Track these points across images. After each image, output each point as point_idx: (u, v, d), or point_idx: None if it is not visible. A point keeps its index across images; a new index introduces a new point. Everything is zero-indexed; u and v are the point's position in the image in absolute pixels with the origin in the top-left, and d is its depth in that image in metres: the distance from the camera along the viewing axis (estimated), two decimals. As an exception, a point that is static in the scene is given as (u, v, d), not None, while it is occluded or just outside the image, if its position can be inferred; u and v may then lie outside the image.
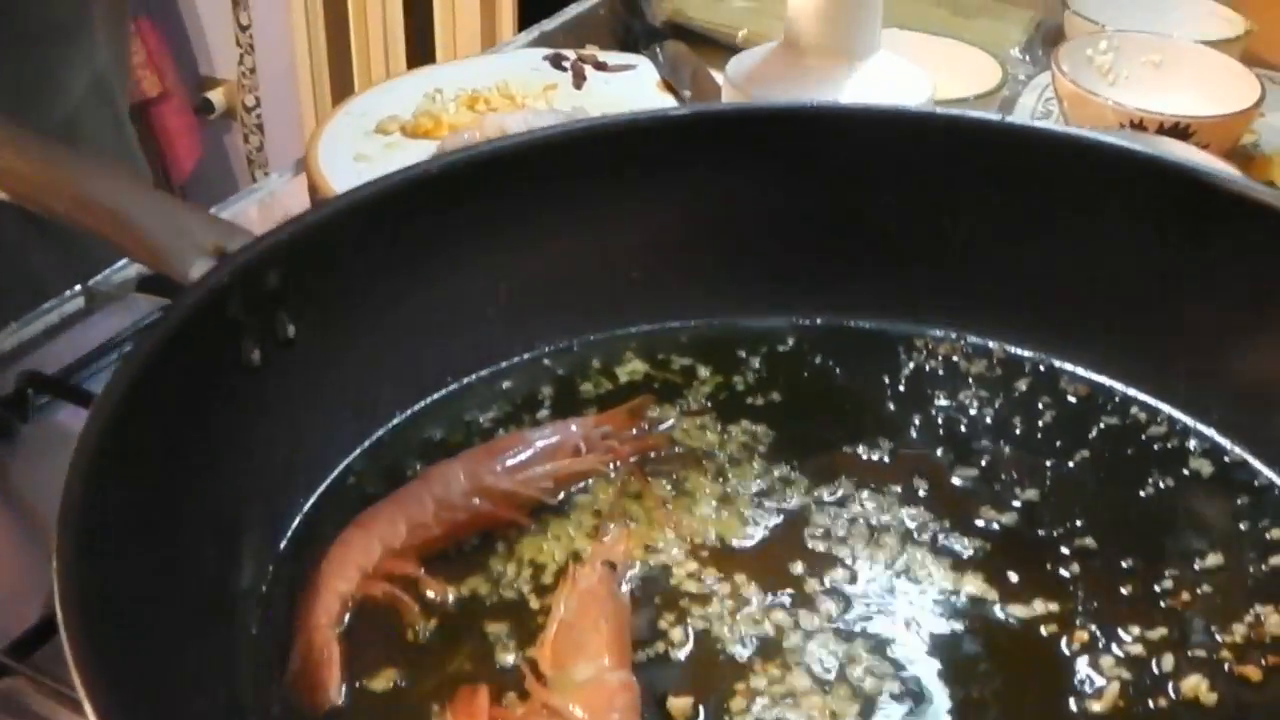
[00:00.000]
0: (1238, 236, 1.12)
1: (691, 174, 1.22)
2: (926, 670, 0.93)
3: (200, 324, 0.98)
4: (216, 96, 3.72)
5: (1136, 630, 0.97)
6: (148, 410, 0.91)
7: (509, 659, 0.94)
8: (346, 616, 0.97)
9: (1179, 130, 1.57)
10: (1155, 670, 0.94)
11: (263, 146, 3.64)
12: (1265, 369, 1.13)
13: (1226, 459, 1.12)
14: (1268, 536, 1.04)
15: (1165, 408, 1.16)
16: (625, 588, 0.98)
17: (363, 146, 1.58)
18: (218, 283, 1.00)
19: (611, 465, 1.09)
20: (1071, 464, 1.11)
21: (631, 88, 1.76)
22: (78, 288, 1.42)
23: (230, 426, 1.01)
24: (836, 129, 1.24)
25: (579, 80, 1.76)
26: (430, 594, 0.99)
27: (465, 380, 1.18)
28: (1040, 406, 1.17)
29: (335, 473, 1.09)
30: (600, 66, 1.80)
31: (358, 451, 1.11)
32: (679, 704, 0.90)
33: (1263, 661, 0.95)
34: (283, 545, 1.03)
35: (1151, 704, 0.92)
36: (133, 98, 2.55)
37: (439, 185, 1.14)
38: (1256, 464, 1.11)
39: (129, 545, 0.86)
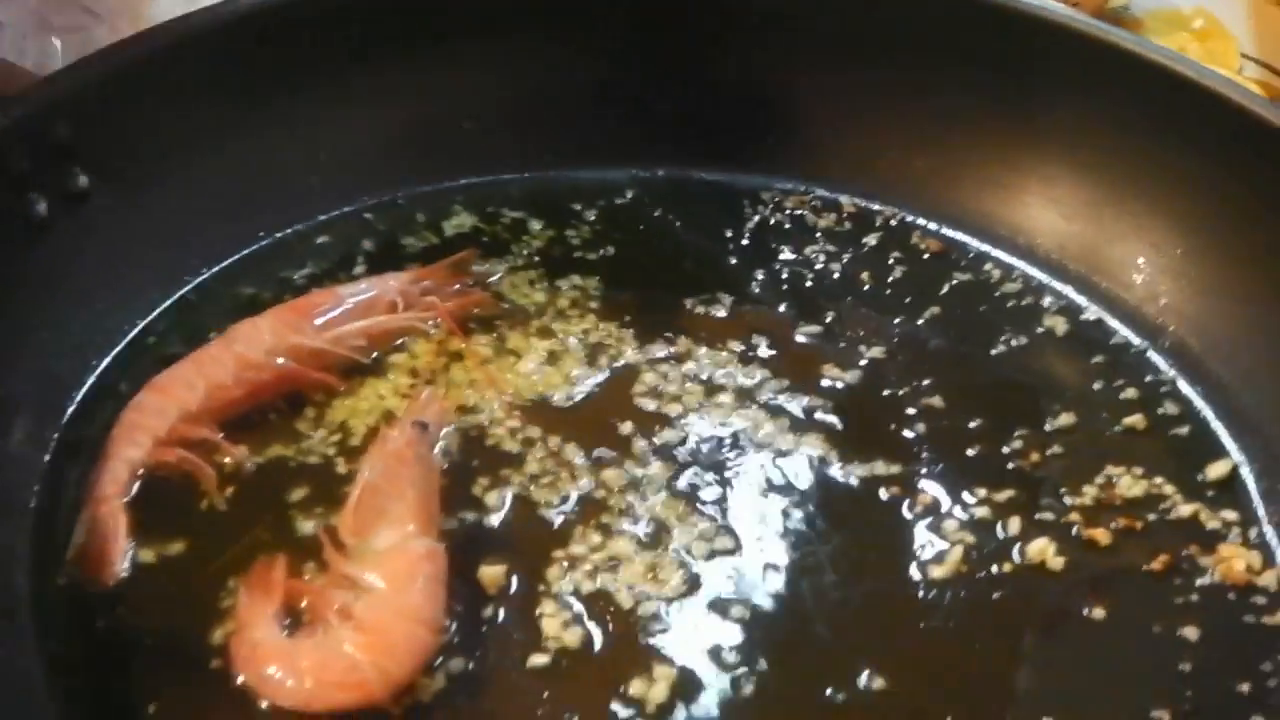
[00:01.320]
0: (1110, 90, 1.07)
1: (526, 18, 1.13)
2: (759, 534, 0.88)
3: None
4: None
5: (982, 492, 0.92)
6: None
7: (310, 527, 0.86)
8: (136, 485, 0.89)
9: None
10: (1000, 534, 0.89)
11: None
12: (1126, 226, 1.07)
13: (1082, 317, 1.07)
14: (1122, 396, 1.00)
15: (1021, 264, 1.11)
16: (438, 450, 0.90)
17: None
18: (-4, 128, 0.92)
19: (431, 322, 1.01)
20: (921, 321, 1.06)
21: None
22: None
23: (12, 284, 0.93)
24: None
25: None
26: (228, 460, 0.91)
27: (279, 235, 1.10)
28: (890, 262, 1.11)
29: (133, 333, 1.01)
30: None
31: (159, 310, 1.03)
32: (491, 572, 0.84)
33: (1112, 525, 0.90)
34: (70, 410, 0.94)
35: (995, 569, 0.87)
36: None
37: (249, 28, 1.06)
38: (1112, 322, 1.06)
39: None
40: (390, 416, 0.94)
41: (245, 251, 1.08)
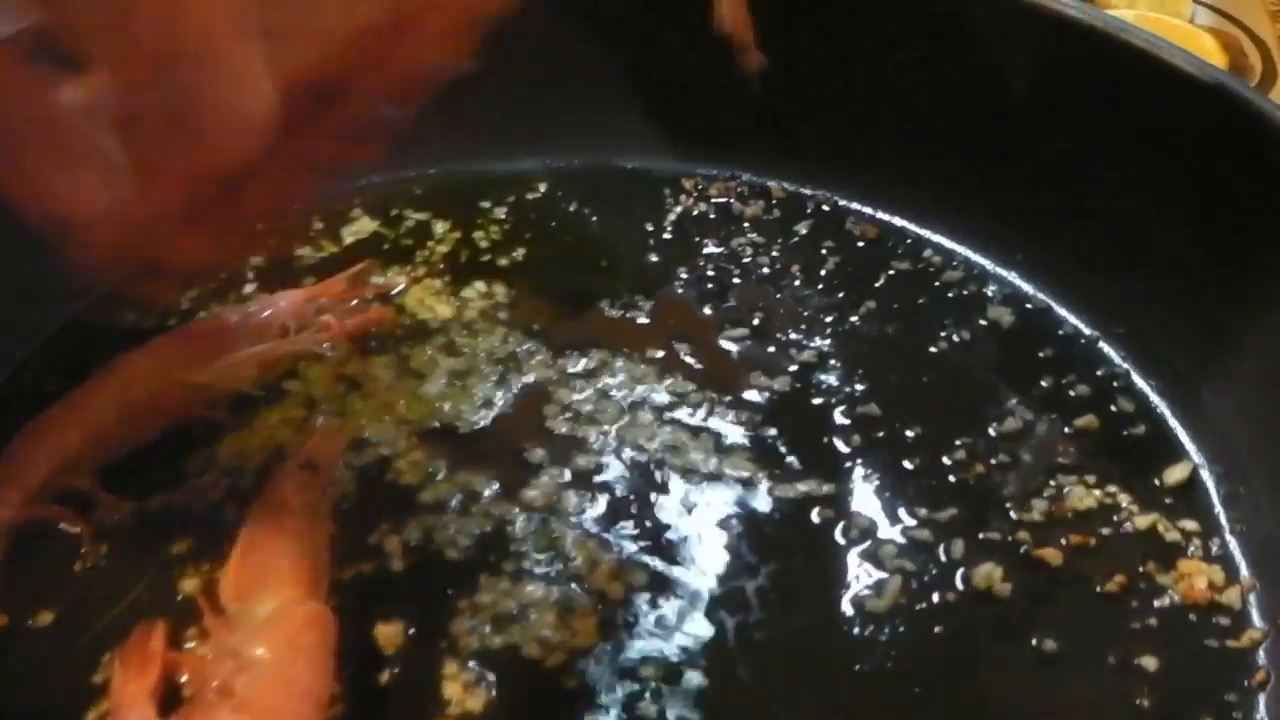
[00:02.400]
0: (1049, 59, 1.00)
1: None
2: (680, 570, 0.82)
3: None
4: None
5: (923, 512, 0.85)
6: None
7: (193, 586, 0.80)
8: (4, 548, 0.82)
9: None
10: (943, 558, 0.83)
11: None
12: (1073, 204, 1.00)
13: (1029, 306, 1.00)
14: (1072, 393, 0.93)
15: (962, 250, 1.04)
16: (329, 495, 0.83)
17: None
18: None
19: (328, 344, 0.94)
20: (856, 317, 0.99)
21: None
22: None
23: None
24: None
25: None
26: (108, 512, 0.84)
27: (163, 252, 1.02)
28: (823, 251, 1.05)
29: (9, 372, 0.95)
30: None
31: (36, 345, 0.96)
32: (388, 631, 0.78)
33: (1064, 541, 0.84)
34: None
35: (938, 598, 0.81)
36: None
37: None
38: (1061, 311, 1.00)
39: None
40: (282, 453, 0.87)
41: (124, 273, 1.00)
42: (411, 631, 0.78)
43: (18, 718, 0.75)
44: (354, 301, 0.98)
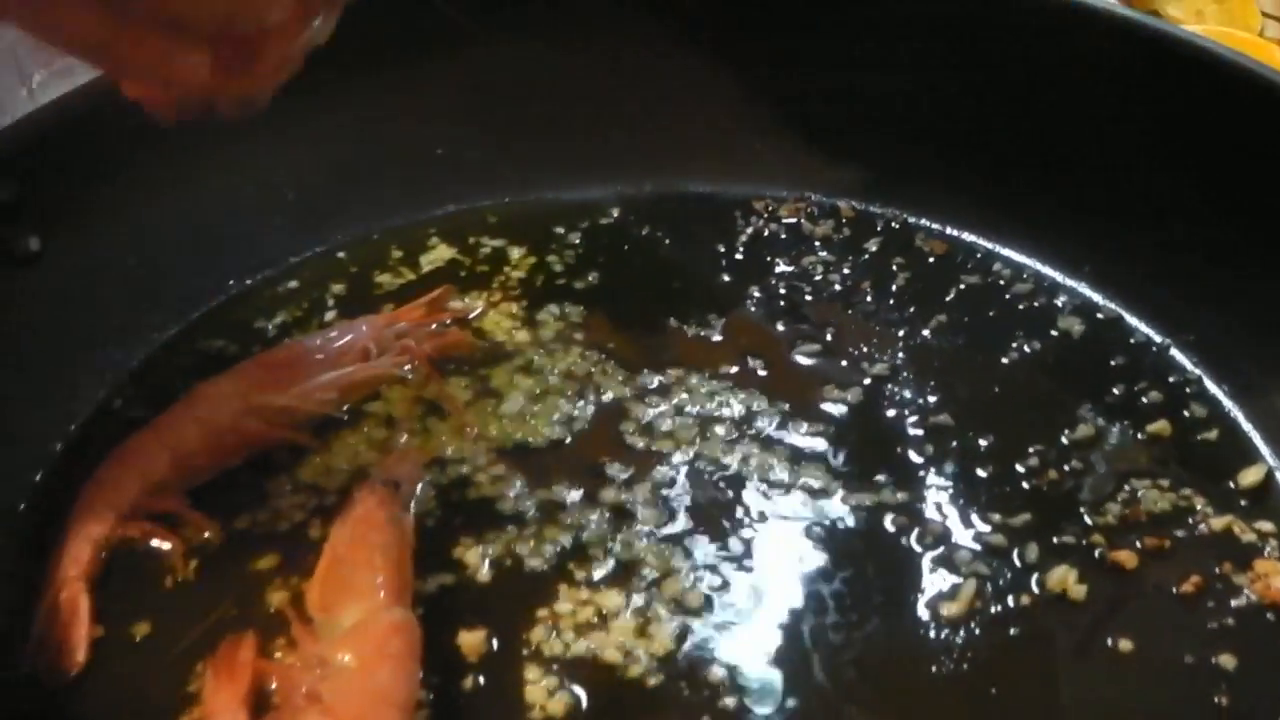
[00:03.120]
0: (1118, 72, 1.01)
1: (492, 34, 1.08)
2: (758, 580, 0.82)
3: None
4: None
5: (997, 518, 0.86)
6: None
7: (280, 599, 0.82)
8: (100, 565, 0.84)
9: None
10: (1017, 562, 0.83)
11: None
12: (1142, 212, 1.01)
13: (1099, 316, 1.01)
14: (1144, 400, 0.93)
15: (1031, 263, 1.05)
16: (411, 509, 0.85)
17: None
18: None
19: (407, 367, 0.96)
20: (926, 331, 1.00)
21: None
22: None
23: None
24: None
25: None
26: (196, 531, 0.87)
27: (248, 282, 1.06)
28: (893, 268, 1.05)
29: (97, 399, 0.97)
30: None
31: (125, 373, 0.99)
32: (470, 639, 0.79)
33: (1139, 545, 0.84)
34: (36, 486, 0.91)
35: (1012, 602, 0.81)
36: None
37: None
38: (1132, 320, 1.00)
39: None
40: (364, 473, 0.89)
41: (212, 303, 1.04)
42: (494, 639, 0.79)
43: (116, 725, 0.76)
44: (433, 326, 1.00)
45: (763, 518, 0.86)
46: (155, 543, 0.86)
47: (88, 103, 0.97)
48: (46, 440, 0.93)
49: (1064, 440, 0.91)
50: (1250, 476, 0.88)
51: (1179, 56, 0.96)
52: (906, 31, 1.07)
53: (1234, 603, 0.81)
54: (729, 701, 0.76)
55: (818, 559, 0.83)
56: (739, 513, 0.86)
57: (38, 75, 1.36)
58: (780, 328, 1.00)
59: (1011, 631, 0.79)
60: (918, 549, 0.84)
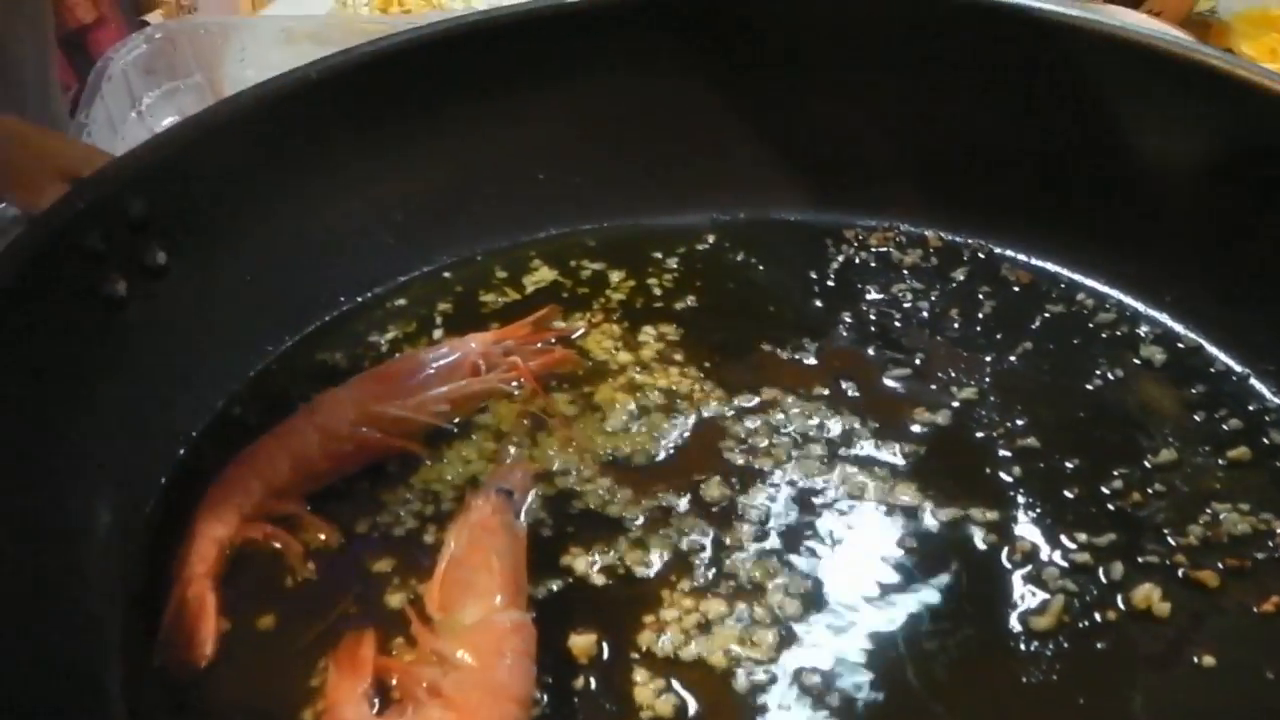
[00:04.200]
0: (1201, 110, 1.03)
1: (596, 65, 1.13)
2: (852, 588, 0.86)
3: (52, 257, 0.90)
4: (155, 18, 3.59)
5: (1083, 537, 0.89)
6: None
7: (398, 600, 0.86)
8: (225, 563, 0.89)
9: (1129, -3, 1.48)
10: (1103, 580, 0.86)
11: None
12: (1221, 246, 1.04)
13: (1180, 345, 1.04)
14: (1224, 427, 0.96)
15: (1114, 293, 1.08)
16: (523, 517, 0.89)
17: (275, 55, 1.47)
18: (70, 211, 0.92)
19: (515, 383, 1.00)
20: (1013, 357, 1.03)
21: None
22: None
23: (96, 365, 0.93)
24: (753, 10, 1.14)
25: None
26: (316, 534, 0.90)
27: (359, 299, 1.10)
28: (980, 297, 1.09)
29: (218, 406, 1.01)
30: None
31: (243, 382, 1.03)
32: (581, 642, 0.82)
33: (1220, 565, 0.87)
34: (162, 488, 0.95)
35: (1099, 617, 0.84)
36: (67, 25, 2.44)
37: (319, 93, 1.06)
38: (1212, 349, 1.03)
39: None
40: (476, 482, 0.93)
41: (326, 318, 1.08)
42: (603, 643, 0.83)
43: (243, 714, 0.80)
44: (538, 344, 1.04)
45: (857, 532, 0.89)
46: (277, 544, 0.90)
47: (212, 126, 1.02)
48: (172, 444, 0.97)
49: (1147, 464, 0.94)
50: (1328, 501, 0.91)
51: (1252, 94, 0.99)
52: (994, 70, 1.10)
53: (1313, 622, 0.83)
54: (827, 702, 0.79)
55: (911, 572, 0.87)
56: (834, 527, 0.90)
57: (147, 98, 1.41)
58: (871, 352, 1.04)
59: (1098, 645, 0.82)
60: (1008, 565, 0.87)
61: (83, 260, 0.92)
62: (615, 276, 1.12)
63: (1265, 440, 0.95)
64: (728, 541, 0.89)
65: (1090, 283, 1.09)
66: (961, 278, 1.11)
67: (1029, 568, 0.87)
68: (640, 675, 0.81)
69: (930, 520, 0.90)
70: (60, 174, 1.00)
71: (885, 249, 1.14)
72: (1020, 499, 0.91)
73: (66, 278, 0.91)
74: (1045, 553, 0.88)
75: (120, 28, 3.41)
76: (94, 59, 3.23)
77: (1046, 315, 1.07)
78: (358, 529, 0.91)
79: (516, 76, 1.11)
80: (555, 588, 0.86)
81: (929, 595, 0.85)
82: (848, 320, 1.07)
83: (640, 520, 0.90)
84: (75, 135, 1.34)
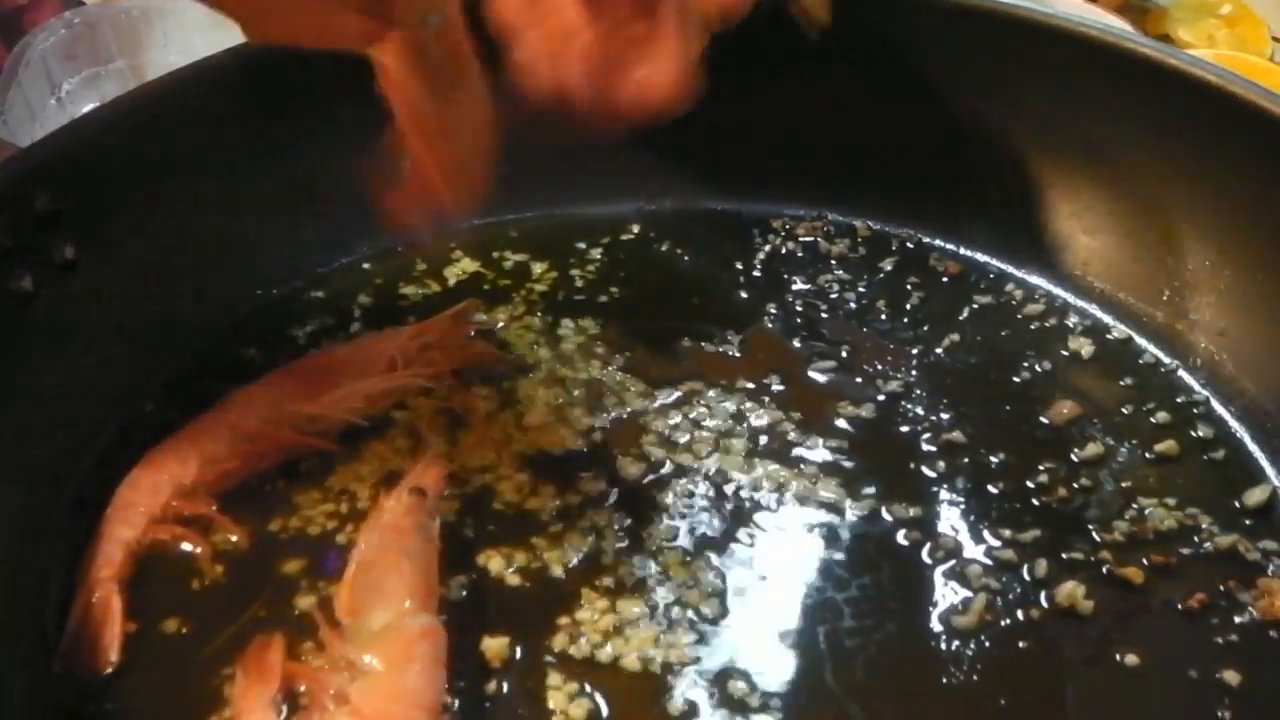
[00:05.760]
0: (1128, 98, 1.02)
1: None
2: (773, 589, 0.85)
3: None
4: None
5: (1007, 533, 0.88)
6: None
7: (309, 603, 0.84)
8: (132, 566, 0.87)
9: (1067, -19, 1.46)
10: (1027, 577, 0.85)
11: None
12: (1151, 239, 1.03)
13: (1109, 336, 1.03)
14: (1153, 420, 0.96)
15: (1044, 284, 1.08)
16: (437, 517, 0.87)
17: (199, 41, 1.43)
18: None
19: (432, 379, 0.97)
20: (940, 350, 1.02)
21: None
22: None
23: (2, 363, 0.91)
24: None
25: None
26: (226, 534, 0.88)
27: (276, 291, 1.08)
28: (908, 287, 1.08)
29: (134, 404, 0.99)
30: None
31: (158, 379, 1.01)
32: (494, 645, 0.81)
33: (1145, 561, 0.86)
34: (73, 489, 0.92)
35: (1022, 615, 0.83)
36: (3, 6, 2.40)
37: (236, 79, 1.03)
38: (1141, 341, 1.02)
39: None
40: (392, 480, 0.90)
41: (242, 312, 1.06)
42: (517, 645, 0.81)
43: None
44: (458, 338, 1.02)
45: (778, 529, 0.88)
46: (185, 546, 0.88)
47: (121, 115, 1.00)
48: (81, 444, 0.95)
49: (1074, 458, 0.93)
50: (1255, 496, 0.90)
51: (1186, 84, 0.98)
52: (922, 60, 1.09)
53: (1238, 619, 0.83)
54: (746, 703, 0.78)
55: (832, 570, 0.86)
56: (755, 524, 0.88)
57: (66, 84, 1.38)
58: (797, 344, 1.02)
59: (1021, 644, 0.81)
60: (930, 562, 0.86)
61: (-16, 256, 0.90)
62: (538, 268, 1.10)
63: (1193, 434, 0.94)
64: (646, 540, 0.87)
65: (1019, 273, 1.08)
66: (889, 268, 1.09)
67: (952, 564, 0.86)
68: (554, 678, 0.79)
69: (852, 516, 0.89)
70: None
71: (813, 239, 1.12)
72: (944, 495, 0.90)
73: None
74: (969, 549, 0.87)
75: (56, 8, 3.36)
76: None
77: (975, 306, 1.05)
78: (269, 529, 0.89)
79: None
80: (468, 589, 0.85)
81: (850, 593, 0.84)
82: (773, 311, 1.05)
83: (557, 518, 0.89)
84: (-8, 123, 1.31)
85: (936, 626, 0.82)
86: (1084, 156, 1.06)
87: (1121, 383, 0.99)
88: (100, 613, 0.84)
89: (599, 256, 1.11)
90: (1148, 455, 0.93)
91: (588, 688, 0.79)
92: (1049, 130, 1.07)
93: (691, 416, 0.96)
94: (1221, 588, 0.84)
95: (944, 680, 0.79)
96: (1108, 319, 1.04)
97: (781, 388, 0.98)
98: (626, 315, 1.06)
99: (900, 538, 0.87)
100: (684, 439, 0.94)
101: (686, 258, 1.11)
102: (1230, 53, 1.42)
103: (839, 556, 0.87)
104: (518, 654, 0.81)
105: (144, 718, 0.79)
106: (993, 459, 0.93)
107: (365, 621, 0.79)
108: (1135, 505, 0.89)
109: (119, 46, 1.45)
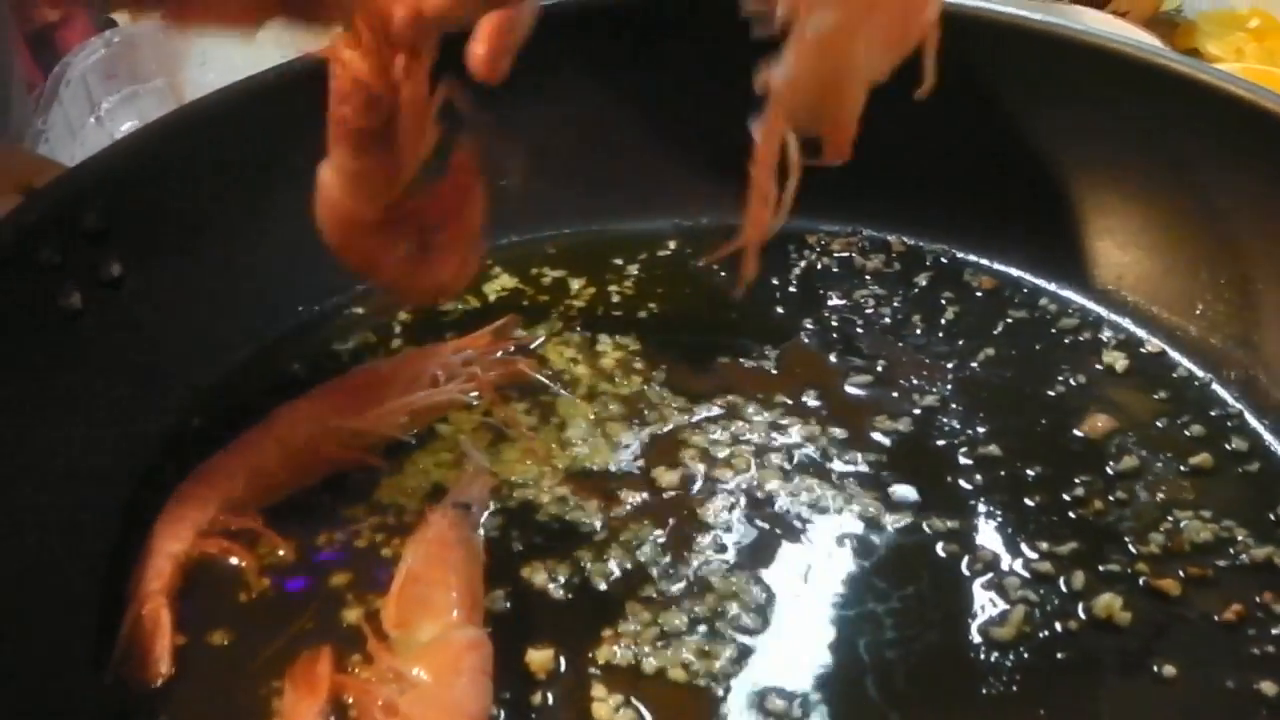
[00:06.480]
0: (1158, 112, 1.03)
1: (558, 71, 1.11)
2: (813, 603, 0.85)
3: (3, 271, 0.90)
4: (123, 17, 3.57)
5: (1044, 545, 0.88)
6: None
7: (356, 616, 0.85)
8: (181, 579, 0.88)
9: (1094, -2, 1.47)
10: (1064, 589, 0.86)
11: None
12: (1184, 253, 1.04)
13: (1143, 350, 1.04)
14: (1187, 433, 0.96)
15: (1077, 298, 1.08)
16: (481, 530, 0.88)
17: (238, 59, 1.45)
18: (24, 223, 0.91)
19: (474, 394, 0.99)
20: (975, 364, 1.02)
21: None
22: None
23: (51, 379, 0.93)
24: (712, 14, 1.13)
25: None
26: (273, 548, 0.90)
27: (318, 308, 1.09)
28: (942, 302, 1.08)
29: (177, 419, 1.00)
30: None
31: (204, 393, 1.03)
32: (539, 656, 0.82)
33: (1181, 573, 0.86)
34: (118, 503, 0.94)
35: (1060, 627, 0.84)
36: (33, 23, 2.43)
37: (280, 97, 1.04)
38: (1175, 355, 1.03)
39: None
40: (436, 494, 0.92)
41: (285, 328, 1.07)
42: (561, 657, 0.82)
43: (198, 733, 0.79)
44: (498, 354, 1.04)
45: (817, 542, 0.89)
46: (233, 559, 0.89)
47: (168, 134, 1.01)
48: (130, 458, 0.96)
49: (1109, 471, 0.93)
50: (1291, 509, 0.90)
51: (1216, 99, 0.99)
52: (954, 77, 1.09)
53: (1274, 631, 0.83)
54: (788, 713, 0.79)
55: (872, 582, 0.86)
56: (794, 537, 0.89)
57: (106, 103, 1.40)
58: (833, 359, 1.03)
59: (1059, 656, 0.82)
60: (968, 574, 0.87)
61: (36, 274, 0.92)
62: (575, 284, 1.11)
63: (1227, 446, 0.95)
64: (688, 553, 0.88)
65: (1053, 288, 1.08)
66: (924, 283, 1.10)
67: (989, 576, 0.87)
68: (599, 690, 0.80)
69: (891, 529, 0.90)
70: (13, 186, 0.99)
71: (848, 254, 1.13)
72: (981, 508, 0.91)
73: (18, 291, 0.90)
74: (1006, 562, 0.87)
75: (87, 24, 3.39)
76: (62, 55, 3.21)
77: (1009, 321, 1.06)
78: (316, 542, 0.90)
79: (474, 85, 1.10)
80: (513, 601, 0.86)
81: (891, 604, 0.85)
82: (810, 327, 1.06)
83: (599, 532, 0.90)
84: (34, 140, 1.33)
85: (976, 638, 0.83)
86: (1115, 171, 1.07)
87: (1155, 396, 0.99)
88: (150, 625, 0.85)
89: (636, 272, 1.12)
90: (1183, 468, 0.94)
91: (633, 700, 0.80)
92: (1080, 145, 1.08)
93: (730, 430, 0.97)
94: (1258, 599, 0.85)
95: (984, 691, 0.80)
96: (1141, 333, 1.04)
97: (818, 402, 0.99)
98: (664, 331, 1.07)
99: (939, 550, 0.88)
100: (723, 453, 0.95)
101: (722, 274, 1.11)
102: (1258, 66, 1.43)
103: (877, 569, 0.87)
104: (562, 666, 0.82)
105: (195, 729, 0.79)
106: (1029, 472, 0.93)
107: (413, 634, 0.81)
108: (1171, 518, 0.90)
109: (158, 65, 1.47)
